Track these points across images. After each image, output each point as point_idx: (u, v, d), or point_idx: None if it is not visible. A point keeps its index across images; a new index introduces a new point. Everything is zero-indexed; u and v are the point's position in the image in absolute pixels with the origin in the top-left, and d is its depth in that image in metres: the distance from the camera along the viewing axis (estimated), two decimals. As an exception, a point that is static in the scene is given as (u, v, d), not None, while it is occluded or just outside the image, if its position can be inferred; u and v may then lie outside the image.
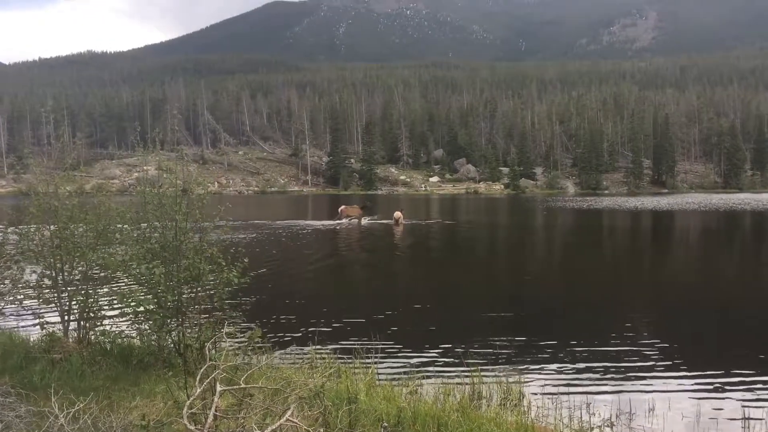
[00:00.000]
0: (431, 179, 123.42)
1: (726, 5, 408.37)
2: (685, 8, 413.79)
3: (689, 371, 9.54)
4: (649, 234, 38.26)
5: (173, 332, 8.21)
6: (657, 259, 25.61)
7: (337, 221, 40.41)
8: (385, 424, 5.75)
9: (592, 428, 6.91)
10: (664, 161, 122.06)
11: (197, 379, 5.06)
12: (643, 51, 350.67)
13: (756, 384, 8.95)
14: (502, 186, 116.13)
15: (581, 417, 7.43)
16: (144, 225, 8.77)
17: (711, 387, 8.86)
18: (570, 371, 9.54)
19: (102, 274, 9.31)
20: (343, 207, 42.57)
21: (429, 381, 8.63)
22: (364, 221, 41.09)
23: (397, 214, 39.02)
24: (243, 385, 5.13)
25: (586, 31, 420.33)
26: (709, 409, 8.00)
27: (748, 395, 8.48)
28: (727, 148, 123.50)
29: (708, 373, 9.47)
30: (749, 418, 7.52)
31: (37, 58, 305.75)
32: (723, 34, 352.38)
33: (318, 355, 9.36)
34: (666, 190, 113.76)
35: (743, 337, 11.91)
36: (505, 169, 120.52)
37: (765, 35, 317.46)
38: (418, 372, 9.05)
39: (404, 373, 9.05)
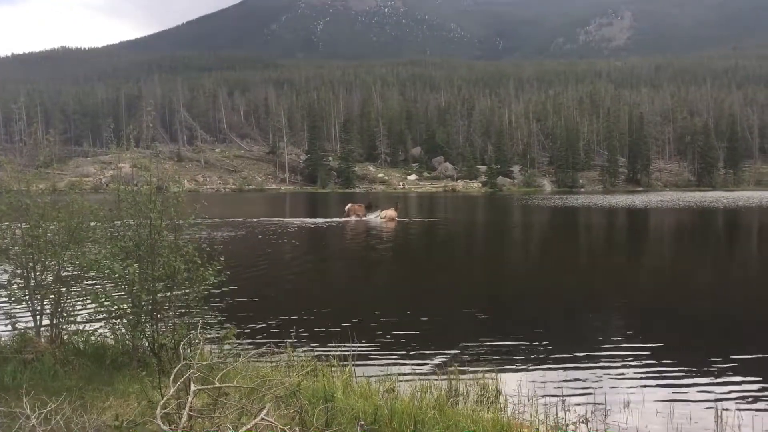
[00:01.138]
0: (409, 177, 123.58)
1: (700, 6, 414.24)
2: (660, 8, 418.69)
3: (663, 367, 9.65)
4: (624, 232, 38.65)
5: (148, 331, 8.12)
6: (631, 257, 25.87)
7: (345, 219, 40.54)
8: (362, 422, 5.74)
9: (567, 424, 6.96)
10: (639, 160, 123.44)
11: (171, 378, 5.01)
12: (619, 50, 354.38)
13: (728, 378, 9.08)
14: (480, 184, 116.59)
15: (557, 413, 7.48)
16: (118, 223, 8.66)
17: (684, 382, 8.97)
18: (546, 368, 9.60)
19: (75, 273, 9.18)
20: (350, 205, 42.63)
21: (406, 379, 8.63)
22: (368, 217, 41.33)
23: (391, 213, 39.53)
24: (217, 384, 5.08)
25: (562, 30, 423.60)
26: (683, 403, 8.09)
27: (721, 389, 8.60)
28: (700, 146, 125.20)
29: (681, 368, 9.59)
30: (722, 411, 7.61)
31: (9, 54, 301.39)
32: (697, 34, 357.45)
33: (295, 354, 9.31)
34: (641, 188, 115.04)
35: (715, 334, 12.08)
36: (483, 167, 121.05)
37: (738, 36, 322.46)
38: (395, 370, 9.04)
39: (382, 371, 9.03)
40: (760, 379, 9.03)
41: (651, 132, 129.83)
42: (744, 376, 9.12)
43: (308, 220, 40.86)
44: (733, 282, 18.72)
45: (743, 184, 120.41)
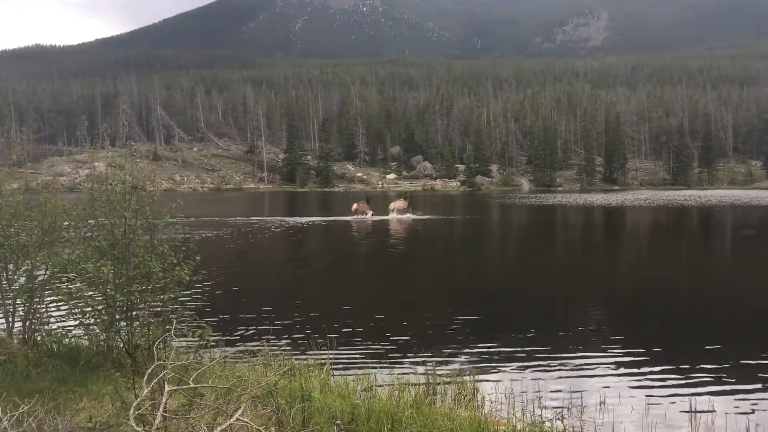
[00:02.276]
0: (388, 176, 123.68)
1: (675, 6, 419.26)
2: (636, 9, 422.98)
3: (639, 366, 9.75)
4: (601, 231, 39.02)
5: (122, 332, 8.03)
6: (607, 255, 26.12)
7: (353, 218, 40.72)
8: (338, 421, 5.73)
9: (543, 422, 7.01)
10: (615, 159, 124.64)
11: (144, 379, 4.96)
12: (596, 50, 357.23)
13: (702, 377, 9.19)
14: (459, 183, 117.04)
15: (534, 411, 7.52)
16: (92, 222, 8.55)
17: (660, 380, 9.06)
18: (523, 366, 9.66)
19: (48, 274, 9.05)
20: (356, 204, 42.69)
21: (384, 378, 8.64)
22: (370, 215, 41.68)
23: (400, 203, 41.60)
24: (192, 385, 5.03)
25: (540, 30, 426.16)
26: (658, 400, 8.18)
27: (695, 386, 8.71)
28: (675, 146, 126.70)
29: (657, 367, 9.69)
30: (696, 410, 7.71)
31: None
32: (673, 34, 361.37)
33: (272, 354, 9.27)
34: (617, 187, 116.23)
35: (691, 333, 12.22)
36: (461, 166, 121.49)
37: (713, 36, 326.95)
38: (373, 369, 9.04)
39: (360, 370, 9.04)
40: (734, 378, 9.15)
41: (627, 131, 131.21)
42: (718, 375, 9.24)
43: (342, 218, 40.87)
44: (708, 281, 18.97)
45: (717, 182, 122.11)
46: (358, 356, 10.15)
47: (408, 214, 41.60)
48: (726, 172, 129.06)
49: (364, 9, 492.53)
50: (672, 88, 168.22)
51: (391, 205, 42.37)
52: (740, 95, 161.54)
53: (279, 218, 41.39)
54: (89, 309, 8.13)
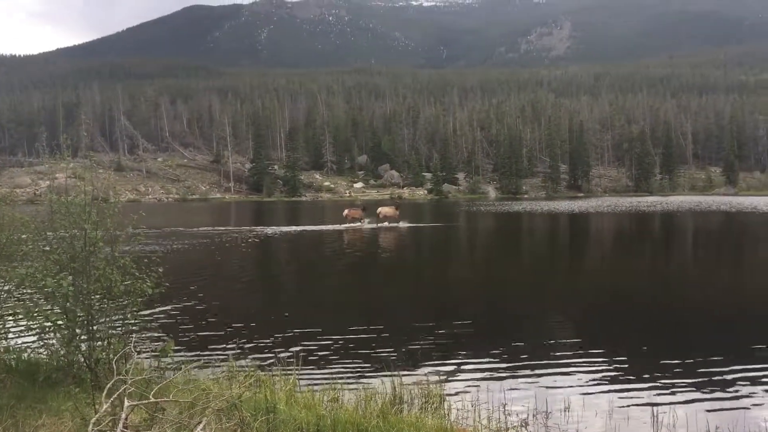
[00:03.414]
0: (355, 185, 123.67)
1: (637, 17, 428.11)
2: (598, 19, 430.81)
3: (602, 371, 9.87)
4: (566, 236, 39.47)
5: (83, 347, 7.86)
6: (571, 261, 26.44)
7: (346, 225, 40.60)
8: (302, 433, 5.69)
9: (508, 428, 7.05)
10: (579, 166, 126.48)
11: (104, 394, 4.87)
12: (559, 59, 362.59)
13: (664, 380, 9.33)
14: (426, 191, 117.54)
15: (499, 418, 7.56)
16: (50, 234, 8.36)
17: (623, 384, 9.18)
18: (489, 373, 9.71)
19: (6, 288, 8.83)
20: (347, 210, 42.59)
21: (351, 388, 8.60)
22: (365, 221, 41.81)
23: (388, 210, 41.91)
24: (152, 399, 4.96)
25: (504, 39, 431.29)
26: (621, 404, 8.29)
27: (657, 390, 8.84)
28: (637, 153, 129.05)
29: (620, 371, 9.82)
30: (658, 413, 7.83)
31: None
32: (634, 44, 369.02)
33: (237, 366, 9.17)
34: (582, 194, 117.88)
35: (653, 336, 12.41)
36: (428, 175, 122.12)
37: (673, 46, 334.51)
38: (340, 379, 9.01)
39: (326, 381, 8.98)
40: (694, 380, 9.32)
41: (590, 139, 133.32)
42: (679, 378, 9.39)
43: (333, 227, 40.66)
44: (669, 286, 19.29)
45: (678, 189, 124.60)
46: (325, 367, 10.09)
47: (399, 222, 41.86)
48: (687, 178, 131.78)
49: (330, 18, 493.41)
50: (633, 97, 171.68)
51: (379, 210, 42.36)
52: (699, 103, 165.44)
53: (324, 227, 40.94)
54: (49, 324, 7.95)
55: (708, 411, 8.01)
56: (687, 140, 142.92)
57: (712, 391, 8.80)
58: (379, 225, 41.25)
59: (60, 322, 7.93)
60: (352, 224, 40.96)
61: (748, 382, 9.15)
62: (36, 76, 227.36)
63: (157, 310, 13.09)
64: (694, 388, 8.94)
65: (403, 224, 41.63)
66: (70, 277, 7.72)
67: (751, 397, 8.60)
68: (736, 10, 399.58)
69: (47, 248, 8.18)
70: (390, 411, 7.09)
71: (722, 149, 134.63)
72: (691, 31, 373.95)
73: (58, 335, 7.96)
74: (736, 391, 8.82)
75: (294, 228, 41.19)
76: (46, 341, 8.17)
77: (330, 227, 40.95)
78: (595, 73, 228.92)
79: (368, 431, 6.13)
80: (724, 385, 9.07)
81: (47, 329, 8.01)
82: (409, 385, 8.55)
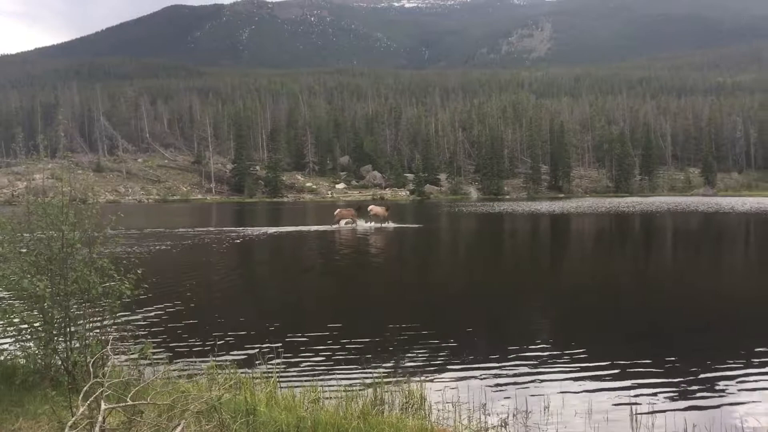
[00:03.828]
0: (337, 186, 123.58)
1: (616, 19, 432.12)
2: (579, 21, 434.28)
3: (582, 370, 9.92)
4: (546, 237, 39.69)
5: (60, 349, 7.77)
6: (551, 262, 26.59)
7: (337, 226, 40.52)
8: (282, 434, 5.67)
9: (488, 428, 7.07)
10: (560, 167, 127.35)
11: (80, 396, 4.81)
12: (540, 61, 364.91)
13: (643, 380, 9.41)
14: (408, 192, 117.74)
15: (479, 418, 7.58)
16: (27, 236, 8.24)
17: (602, 384, 9.23)
18: (470, 374, 9.72)
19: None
20: (338, 210, 42.48)
21: (332, 389, 8.58)
22: (361, 224, 41.74)
23: (379, 209, 42.09)
24: (130, 402, 4.91)
25: (486, 40, 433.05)
26: (601, 402, 8.34)
27: (636, 390, 8.90)
28: (617, 154, 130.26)
29: (599, 371, 9.86)
30: (637, 412, 7.90)
31: None
32: (614, 46, 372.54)
33: (218, 368, 9.10)
34: (562, 195, 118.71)
35: (632, 336, 12.50)
36: (410, 176, 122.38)
37: (652, 48, 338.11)
38: (321, 381, 8.99)
39: (307, 382, 8.95)
40: (673, 379, 9.40)
41: (571, 140, 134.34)
42: (658, 378, 9.46)
43: (325, 228, 40.66)
44: (648, 285, 19.45)
45: (658, 189, 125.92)
46: (306, 368, 10.06)
47: (388, 222, 42.00)
48: (666, 179, 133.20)
49: (312, 19, 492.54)
50: (613, 98, 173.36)
51: (370, 207, 42.50)
52: (678, 105, 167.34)
53: (242, 228, 40.78)
54: (25, 326, 7.86)
55: (686, 410, 8.08)
56: (666, 141, 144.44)
57: (690, 390, 8.88)
58: (369, 224, 41.34)
59: (37, 325, 7.83)
60: (344, 225, 40.96)
61: (726, 381, 9.26)
62: (13, 75, 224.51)
63: (136, 312, 12.97)
64: (672, 388, 9.02)
65: (390, 225, 41.72)
66: (47, 279, 7.63)
67: (729, 395, 8.70)
68: (713, 13, 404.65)
69: (24, 250, 8.07)
70: (371, 412, 7.08)
71: (701, 150, 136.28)
72: (669, 34, 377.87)
73: (35, 338, 7.86)
74: (714, 389, 8.91)
75: (277, 229, 41.05)
76: (23, 344, 8.07)
77: (312, 228, 40.90)
78: (575, 75, 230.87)
79: (349, 432, 6.12)
80: (702, 384, 9.16)
81: (24, 332, 7.92)
82: (390, 386, 8.55)
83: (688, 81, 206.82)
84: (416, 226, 43.65)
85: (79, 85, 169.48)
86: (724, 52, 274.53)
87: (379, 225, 41.48)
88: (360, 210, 43.85)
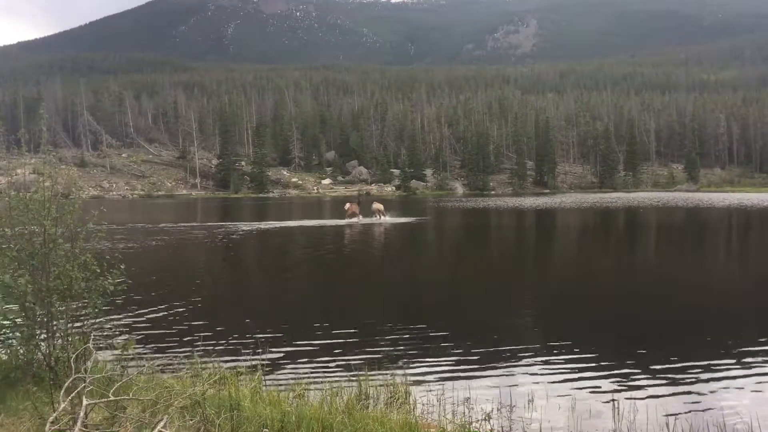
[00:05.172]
0: (323, 181, 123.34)
1: (601, 16, 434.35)
2: (563, 17, 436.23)
3: (566, 364, 9.99)
4: (531, 232, 39.87)
5: (42, 345, 7.70)
6: (535, 257, 26.72)
7: (346, 221, 40.81)
8: (266, 429, 5.67)
9: (472, 422, 7.10)
10: (545, 163, 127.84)
11: (62, 392, 4.78)
12: (525, 57, 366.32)
13: (625, 372, 9.51)
14: (394, 187, 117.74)
15: (464, 412, 7.62)
16: (8, 231, 8.15)
17: (586, 378, 9.30)
18: (454, 368, 9.76)
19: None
20: (348, 204, 42.92)
21: (317, 384, 8.58)
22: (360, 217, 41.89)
23: (378, 205, 42.31)
24: (112, 398, 4.89)
25: (472, 36, 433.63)
26: (584, 396, 8.40)
27: (619, 382, 9.00)
28: (602, 150, 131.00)
29: (583, 365, 9.94)
30: (620, 405, 7.97)
31: None
32: (598, 42, 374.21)
33: (202, 363, 9.07)
34: (548, 190, 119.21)
35: (614, 329, 12.62)
36: (396, 171, 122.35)
37: (636, 44, 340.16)
38: (306, 376, 8.99)
39: (292, 377, 8.96)
40: (656, 373, 9.49)
41: (556, 136, 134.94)
42: (641, 372, 9.55)
43: (338, 222, 40.82)
44: (633, 280, 19.59)
45: (642, 185, 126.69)
46: (291, 363, 10.05)
47: (385, 217, 42.48)
48: (650, 175, 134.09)
49: (298, 14, 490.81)
50: (598, 94, 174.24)
51: (374, 206, 42.68)
52: (662, 101, 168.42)
53: (228, 224, 40.61)
54: (6, 322, 7.79)
55: (668, 403, 8.16)
56: (650, 137, 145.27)
57: (672, 384, 8.97)
58: (372, 220, 41.61)
59: (18, 320, 7.77)
60: (351, 219, 41.12)
61: (708, 375, 9.35)
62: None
63: (119, 307, 12.89)
64: (654, 382, 9.10)
65: (385, 219, 42.25)
66: (29, 275, 7.56)
67: (711, 389, 8.78)
68: (695, 10, 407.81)
69: (4, 245, 7.98)
70: (355, 407, 7.10)
71: (684, 146, 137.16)
72: (652, 30, 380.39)
73: (16, 334, 7.79)
74: (696, 383, 9.00)
75: (261, 224, 40.91)
76: (4, 340, 7.99)
77: (297, 223, 40.85)
78: (560, 71, 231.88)
79: (333, 427, 6.13)
80: (684, 378, 9.25)
81: (5, 327, 7.84)
82: (374, 381, 8.57)
83: (672, 77, 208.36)
84: (404, 220, 43.80)
85: (63, 79, 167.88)
86: (707, 48, 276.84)
87: (381, 220, 41.90)
88: (361, 205, 44.09)
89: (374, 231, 37.02)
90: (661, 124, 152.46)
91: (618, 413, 7.76)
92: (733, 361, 10.03)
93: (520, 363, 10.07)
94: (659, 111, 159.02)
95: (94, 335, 6.83)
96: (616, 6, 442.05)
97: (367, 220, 41.40)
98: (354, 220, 41.03)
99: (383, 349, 10.77)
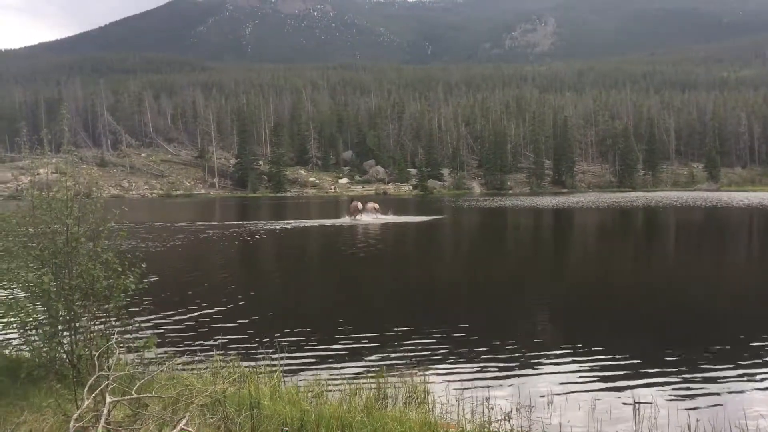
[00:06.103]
0: (340, 181, 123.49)
1: (620, 13, 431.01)
2: (582, 16, 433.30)
3: (585, 364, 9.93)
4: (550, 232, 39.64)
5: (65, 343, 7.79)
6: (555, 257, 26.54)
7: (353, 220, 41.76)
8: (286, 428, 5.68)
9: (491, 422, 7.08)
10: (563, 162, 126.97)
11: (86, 390, 4.84)
12: (543, 55, 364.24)
13: (645, 372, 9.43)
14: (411, 187, 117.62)
15: (483, 412, 7.60)
16: (32, 230, 8.26)
17: (605, 377, 9.25)
18: (473, 368, 9.74)
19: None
20: (354, 203, 43.77)
21: (335, 383, 8.60)
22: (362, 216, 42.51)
23: (375, 204, 43.29)
24: (135, 395, 4.93)
25: (489, 35, 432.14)
26: (604, 397, 8.35)
27: (639, 383, 8.92)
28: (621, 149, 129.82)
29: (602, 365, 9.88)
30: (640, 406, 7.90)
31: None
32: (617, 40, 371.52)
33: (222, 362, 9.13)
34: (566, 190, 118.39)
35: (635, 331, 12.51)
36: (413, 171, 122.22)
37: (656, 42, 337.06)
38: (325, 375, 9.02)
39: (311, 376, 8.99)
40: (676, 373, 9.41)
41: (574, 135, 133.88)
42: (662, 373, 9.46)
43: (345, 221, 41.72)
44: (652, 281, 19.42)
45: (661, 184, 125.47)
46: (309, 362, 10.09)
47: (380, 216, 43.22)
48: (669, 174, 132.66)
49: (315, 14, 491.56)
50: (617, 93, 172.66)
51: (368, 205, 43.27)
52: (682, 99, 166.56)
53: (247, 222, 40.86)
54: (30, 320, 7.88)
55: (689, 405, 8.08)
56: (670, 136, 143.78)
57: (693, 386, 8.88)
58: (367, 219, 42.18)
59: (42, 318, 7.86)
60: (358, 218, 41.97)
61: (730, 375, 9.26)
62: (17, 70, 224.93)
63: (140, 305, 13.00)
64: (675, 384, 9.02)
65: (383, 218, 43.16)
66: (52, 273, 7.65)
67: (733, 390, 8.70)
68: (715, 7, 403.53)
69: (28, 244, 8.08)
70: (374, 406, 7.10)
71: (704, 145, 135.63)
72: (671, 28, 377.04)
73: (39, 331, 7.89)
74: (718, 384, 8.92)
75: (282, 223, 41.05)
76: (27, 338, 8.09)
77: (316, 222, 40.99)
78: (578, 69, 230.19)
79: (352, 426, 6.14)
80: (705, 380, 9.15)
81: (29, 325, 7.94)
82: (393, 380, 8.57)
83: (692, 76, 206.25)
84: (420, 219, 43.83)
85: (83, 79, 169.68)
86: (726, 46, 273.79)
87: (381, 219, 42.46)
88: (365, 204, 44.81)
89: (391, 231, 37.03)
90: (681, 122, 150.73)
91: (638, 414, 7.70)
92: (757, 362, 9.93)
93: (539, 363, 10.02)
94: (679, 109, 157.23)
95: (116, 333, 6.89)
96: (635, 4, 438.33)
97: (368, 219, 42.10)
98: (359, 217, 41.91)
99: (402, 348, 10.77)
